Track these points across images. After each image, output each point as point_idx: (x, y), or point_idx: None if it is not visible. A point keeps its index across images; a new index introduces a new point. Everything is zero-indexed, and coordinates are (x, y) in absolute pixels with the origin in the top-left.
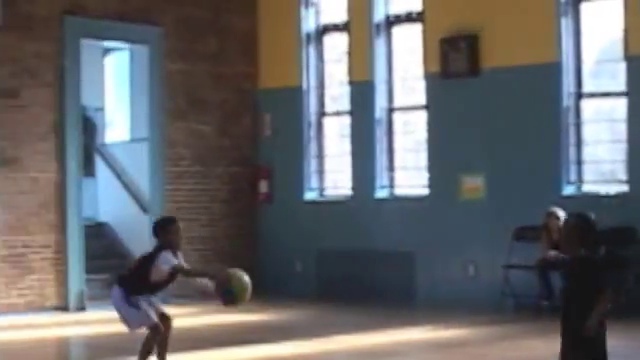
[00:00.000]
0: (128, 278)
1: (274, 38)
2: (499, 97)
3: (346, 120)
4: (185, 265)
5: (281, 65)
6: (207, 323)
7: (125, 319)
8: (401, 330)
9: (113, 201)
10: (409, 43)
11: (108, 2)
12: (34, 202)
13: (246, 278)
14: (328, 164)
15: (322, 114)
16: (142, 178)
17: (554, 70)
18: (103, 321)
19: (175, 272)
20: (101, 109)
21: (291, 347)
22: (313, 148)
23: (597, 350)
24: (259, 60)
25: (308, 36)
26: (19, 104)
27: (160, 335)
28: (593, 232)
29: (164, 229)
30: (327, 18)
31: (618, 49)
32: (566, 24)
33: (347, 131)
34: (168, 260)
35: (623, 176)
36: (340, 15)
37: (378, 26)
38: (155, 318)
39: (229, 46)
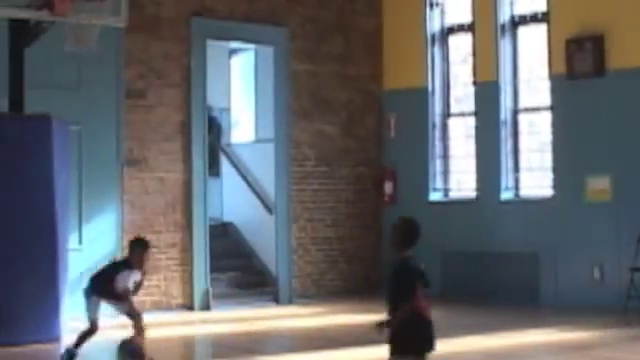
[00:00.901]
0: (96, 278)
1: (399, 39)
2: (625, 97)
3: (471, 121)
4: (131, 297)
5: (406, 66)
6: (333, 323)
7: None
8: (525, 332)
9: (238, 201)
10: (534, 44)
11: (234, 3)
12: (160, 202)
13: None
14: (453, 165)
15: (447, 115)
16: (267, 178)
17: None
18: (228, 320)
19: (124, 295)
20: (227, 109)
21: None
22: (438, 149)
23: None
24: (384, 61)
25: (433, 37)
26: (146, 104)
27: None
28: (415, 235)
29: (140, 249)
30: (452, 19)
31: None
32: None
33: (472, 132)
34: (124, 280)
35: None
36: (465, 16)
37: (503, 27)
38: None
39: (354, 47)
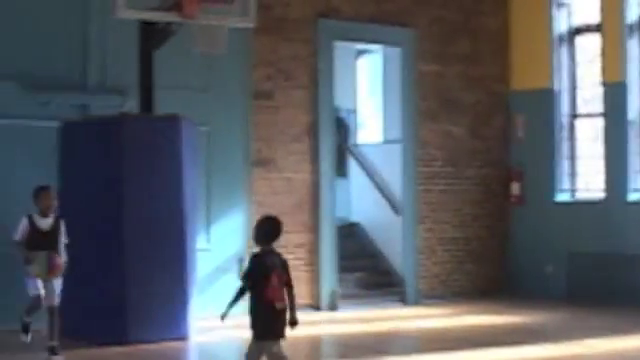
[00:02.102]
0: None
1: (526, 39)
2: None
3: (599, 122)
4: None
5: (533, 66)
6: (459, 324)
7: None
8: None
9: (365, 202)
10: None
11: (362, 5)
12: (288, 202)
13: None
14: (580, 166)
15: (574, 116)
16: (394, 179)
17: None
18: (355, 320)
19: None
20: (354, 111)
21: (541, 350)
22: (565, 150)
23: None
24: (511, 61)
25: (560, 37)
26: (274, 105)
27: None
28: (271, 232)
29: (35, 195)
30: (579, 19)
31: None
32: None
33: (600, 133)
34: (17, 229)
35: None
36: (592, 16)
37: (631, 27)
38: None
39: (481, 48)
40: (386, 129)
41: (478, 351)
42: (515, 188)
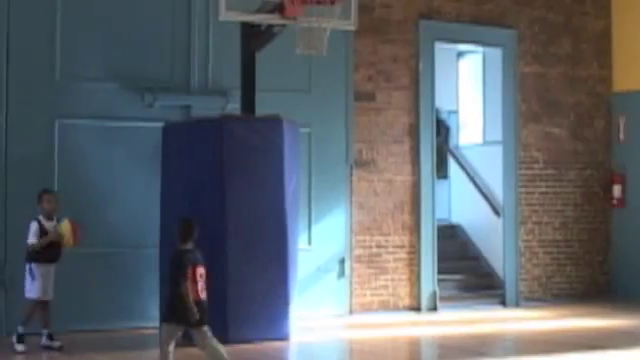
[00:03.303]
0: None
1: (629, 40)
2: None
3: None
4: (35, 242)
5: (635, 67)
6: (560, 327)
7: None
8: None
9: (466, 203)
10: None
11: (462, 6)
12: (389, 203)
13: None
14: None
15: None
16: (495, 180)
17: None
18: (455, 322)
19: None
20: (455, 112)
21: None
22: None
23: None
24: (613, 62)
25: None
26: (375, 107)
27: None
28: (187, 232)
29: (38, 197)
30: None
31: None
32: None
33: None
34: (31, 233)
35: None
36: None
37: None
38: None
39: (583, 48)
40: (487, 130)
41: (580, 354)
42: (616, 190)
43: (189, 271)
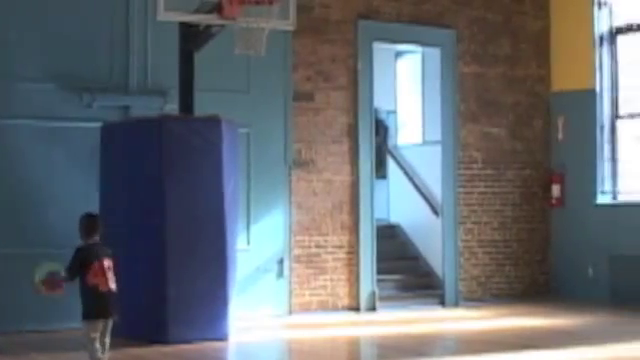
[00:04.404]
0: None
1: (566, 40)
2: None
3: None
4: None
5: (574, 67)
6: (499, 327)
7: None
8: None
9: (405, 203)
10: None
11: (401, 6)
12: (328, 204)
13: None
14: (622, 168)
15: (616, 117)
16: (434, 180)
17: None
18: (393, 322)
19: None
20: (393, 112)
21: (580, 354)
22: (606, 151)
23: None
24: (551, 62)
25: (601, 37)
26: (314, 107)
27: None
28: (89, 227)
29: None
30: (620, 19)
31: None
32: None
33: None
34: None
35: None
36: (635, 15)
37: None
38: None
39: (522, 48)
40: (426, 130)
41: (518, 354)
42: (555, 190)
43: (95, 264)
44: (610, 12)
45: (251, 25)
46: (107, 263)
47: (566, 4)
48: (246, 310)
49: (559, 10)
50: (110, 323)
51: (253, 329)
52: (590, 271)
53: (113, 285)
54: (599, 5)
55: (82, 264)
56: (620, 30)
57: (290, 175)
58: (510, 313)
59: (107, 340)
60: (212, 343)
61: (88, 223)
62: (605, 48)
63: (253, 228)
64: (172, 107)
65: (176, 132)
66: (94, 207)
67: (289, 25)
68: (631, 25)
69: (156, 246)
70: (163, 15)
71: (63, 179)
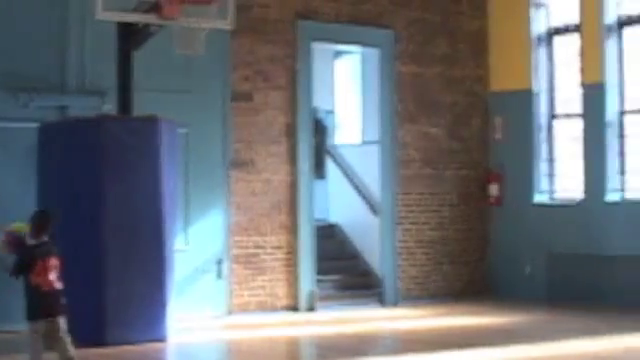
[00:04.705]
0: None
1: (504, 40)
2: None
3: (577, 123)
4: None
5: (511, 68)
6: (436, 325)
7: None
8: (633, 336)
9: (344, 203)
10: None
11: (340, 6)
12: (267, 204)
13: None
14: (559, 167)
15: (553, 117)
16: (373, 180)
17: None
18: (332, 321)
19: None
20: (332, 112)
21: (518, 351)
22: (544, 151)
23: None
24: (489, 63)
25: (538, 38)
26: (253, 107)
27: None
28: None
29: None
30: (557, 20)
31: None
32: None
33: (578, 134)
34: None
35: None
36: (571, 17)
37: (610, 27)
38: None
39: (459, 49)
40: (365, 130)
41: (455, 352)
42: (493, 189)
43: (40, 263)
44: (547, 13)
45: (190, 25)
46: (53, 262)
47: (504, 5)
48: (185, 311)
49: (497, 11)
50: (60, 323)
51: (192, 330)
52: (527, 269)
53: (58, 284)
54: (536, 6)
55: (27, 263)
56: (557, 31)
57: (229, 175)
58: (448, 312)
59: (67, 339)
60: (151, 344)
61: (38, 221)
62: (542, 49)
63: (192, 229)
64: (110, 107)
65: (114, 132)
66: (31, 208)
67: (227, 25)
68: (568, 26)
69: (94, 247)
70: (102, 14)
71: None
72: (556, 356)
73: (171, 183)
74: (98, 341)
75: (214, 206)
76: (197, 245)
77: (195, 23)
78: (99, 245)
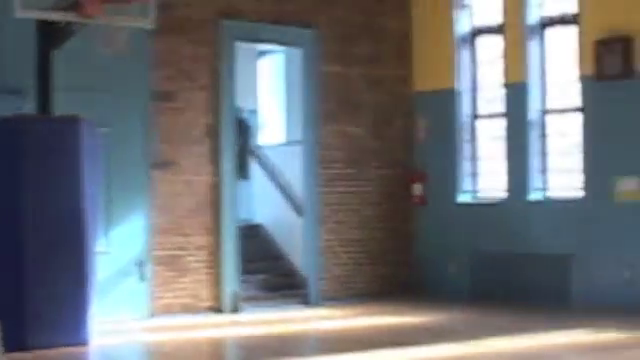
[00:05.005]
0: None
1: (427, 40)
2: None
3: (500, 122)
4: None
5: (435, 68)
6: (360, 325)
7: None
8: (555, 333)
9: (268, 203)
10: (563, 45)
11: (263, 5)
12: (189, 204)
13: None
14: (482, 166)
15: (475, 116)
16: (297, 180)
17: None
18: (257, 322)
19: None
20: (255, 111)
21: (443, 350)
22: (467, 150)
23: None
24: (413, 63)
25: (462, 38)
26: (175, 107)
27: None
28: None
29: None
30: (481, 20)
31: None
32: None
33: (501, 133)
34: None
35: None
36: (494, 17)
37: (532, 28)
38: None
39: (383, 48)
40: (288, 130)
41: (378, 352)
42: (417, 189)
43: None
44: (471, 13)
45: (111, 23)
46: None
47: (427, 5)
48: (107, 314)
49: (420, 11)
50: None
51: (114, 333)
52: (452, 268)
53: None
54: (460, 6)
55: None
56: (480, 31)
57: (151, 176)
58: (373, 311)
59: None
60: (73, 348)
61: None
62: (466, 49)
63: (113, 230)
64: (30, 107)
65: (34, 133)
66: None
67: (149, 24)
68: (491, 26)
69: (13, 249)
70: (20, 12)
71: None
72: (479, 354)
73: (92, 184)
74: (19, 346)
75: (136, 207)
76: (119, 247)
77: (116, 22)
78: (18, 247)
